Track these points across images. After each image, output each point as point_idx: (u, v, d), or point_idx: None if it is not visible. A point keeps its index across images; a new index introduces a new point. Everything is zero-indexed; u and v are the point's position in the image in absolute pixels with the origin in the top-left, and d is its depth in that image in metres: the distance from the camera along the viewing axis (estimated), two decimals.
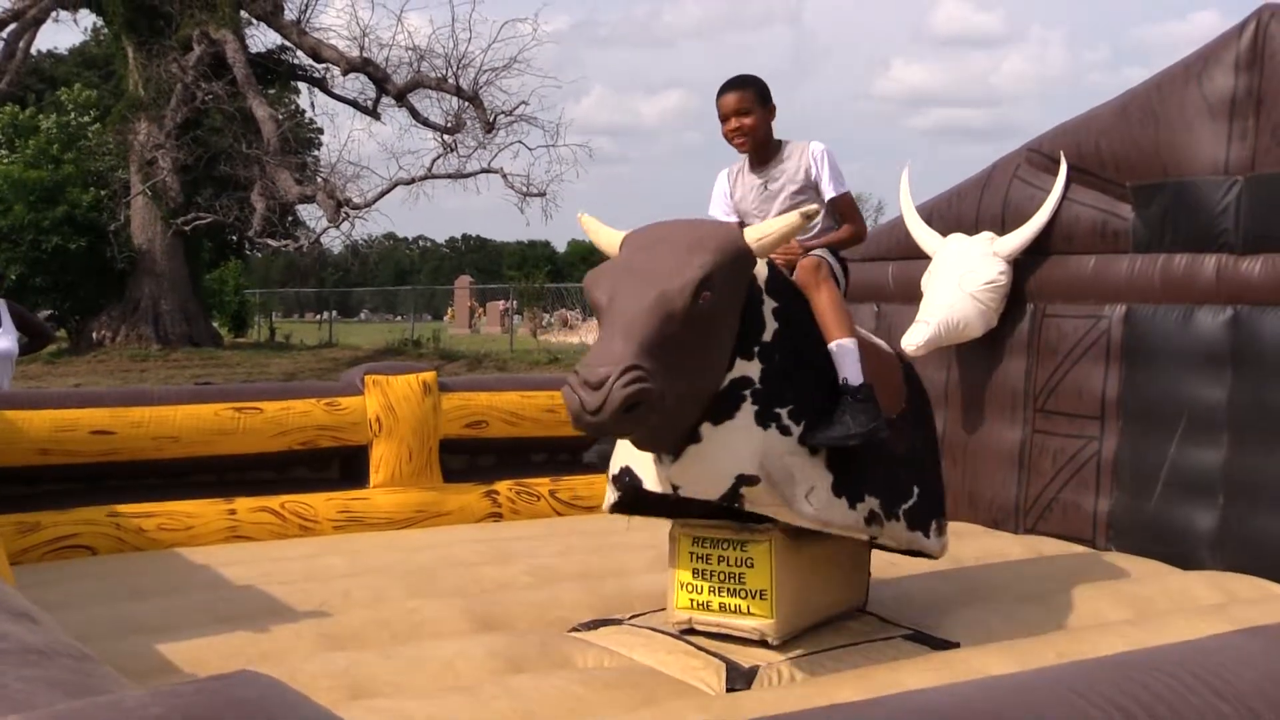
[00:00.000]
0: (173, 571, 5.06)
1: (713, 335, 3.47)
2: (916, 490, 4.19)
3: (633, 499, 3.90)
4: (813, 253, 4.05)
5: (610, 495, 3.97)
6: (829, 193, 4.24)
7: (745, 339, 3.58)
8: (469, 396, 6.49)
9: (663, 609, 4.30)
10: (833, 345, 3.83)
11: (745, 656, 3.77)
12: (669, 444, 3.56)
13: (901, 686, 3.41)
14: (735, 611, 3.87)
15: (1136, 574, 5.07)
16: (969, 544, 5.60)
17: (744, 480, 3.59)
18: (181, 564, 5.22)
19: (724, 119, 4.24)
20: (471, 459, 6.67)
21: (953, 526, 6.07)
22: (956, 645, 4.01)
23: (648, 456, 3.67)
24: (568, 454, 6.83)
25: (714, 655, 3.78)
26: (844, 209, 4.32)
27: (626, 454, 3.80)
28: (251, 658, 3.76)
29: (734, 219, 4.28)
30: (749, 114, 4.21)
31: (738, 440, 3.57)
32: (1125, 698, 1.84)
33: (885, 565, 4.91)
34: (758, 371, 3.60)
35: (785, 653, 3.82)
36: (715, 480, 3.62)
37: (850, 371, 3.81)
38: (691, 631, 3.95)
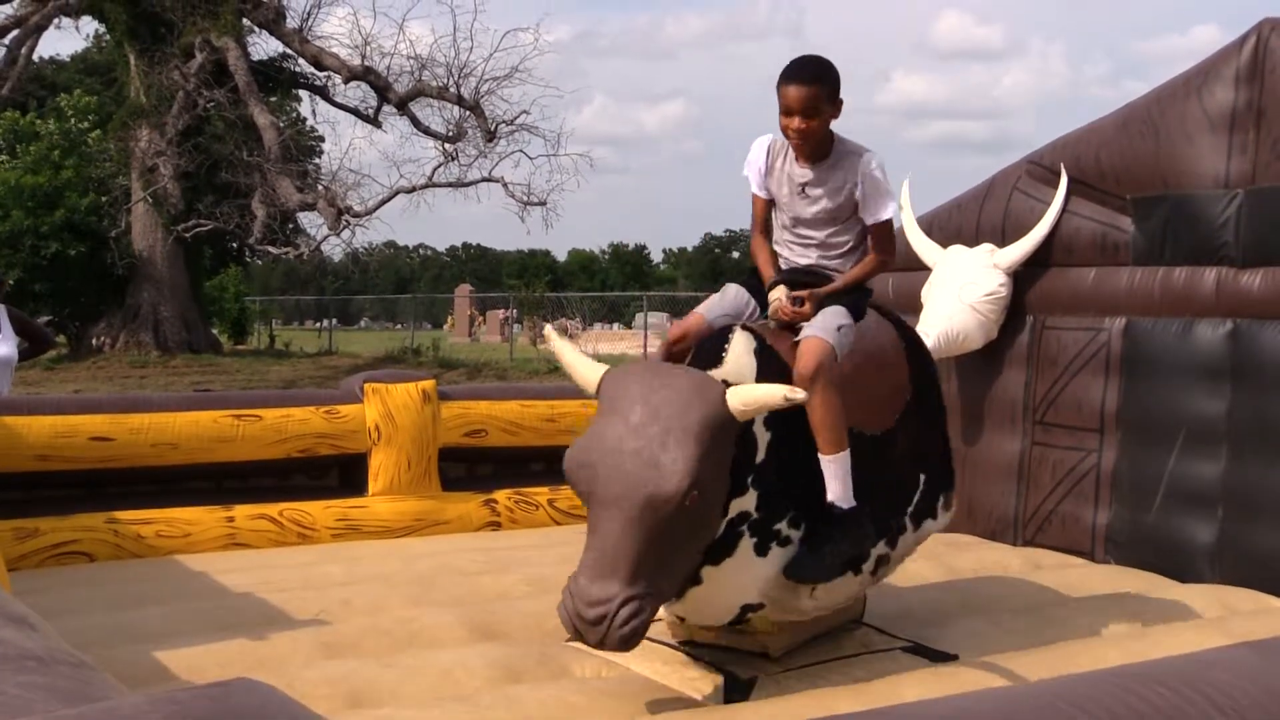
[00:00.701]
0: (171, 579, 5.05)
1: (703, 520, 3.34)
2: (923, 479, 4.08)
3: None
4: (817, 331, 3.64)
5: None
6: (869, 219, 3.82)
7: (738, 475, 3.40)
8: (468, 405, 6.49)
9: (661, 619, 4.30)
10: (822, 459, 3.60)
11: (743, 668, 3.77)
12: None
13: (900, 699, 3.41)
14: (739, 631, 3.84)
15: (1135, 587, 5.07)
16: (968, 555, 5.60)
17: (748, 608, 3.62)
18: (180, 571, 5.22)
19: (786, 112, 3.71)
20: (470, 468, 6.67)
21: (952, 538, 6.09)
22: (955, 657, 4.00)
23: None
24: None
25: (712, 666, 3.78)
26: (878, 236, 3.87)
27: None
28: (249, 665, 3.76)
29: (764, 195, 3.95)
30: (815, 115, 3.70)
31: (739, 576, 3.52)
32: (1124, 710, 1.84)
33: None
34: (754, 501, 3.47)
35: (783, 664, 3.82)
36: (720, 613, 3.65)
37: (837, 491, 3.61)
38: (691, 643, 3.95)
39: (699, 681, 3.69)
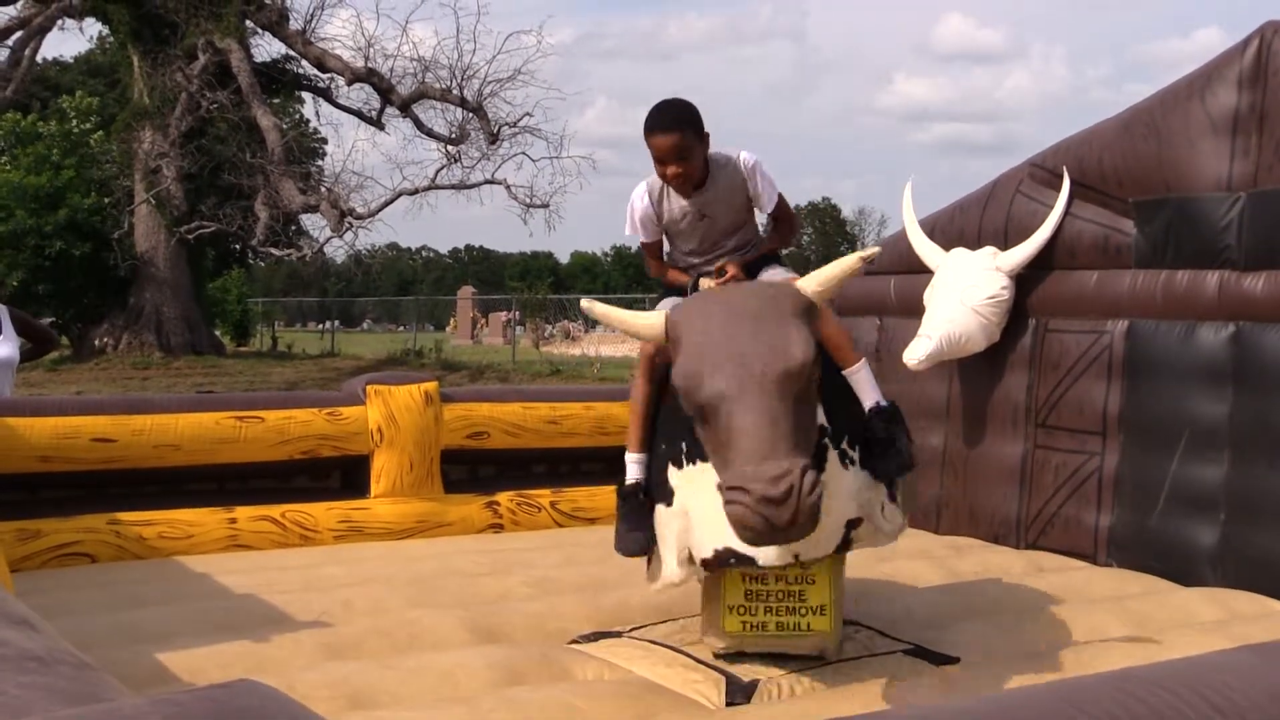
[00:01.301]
0: (173, 580, 5.06)
1: (815, 397, 3.38)
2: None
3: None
4: (782, 273, 3.91)
5: (682, 573, 3.74)
6: (769, 206, 3.99)
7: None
8: (471, 407, 6.49)
9: (663, 622, 4.30)
10: (849, 372, 3.74)
11: (745, 671, 3.76)
12: None
13: (901, 701, 3.41)
14: (794, 630, 3.83)
15: (1137, 590, 5.06)
16: (969, 558, 5.59)
17: (851, 525, 3.63)
18: (182, 572, 5.22)
19: (660, 162, 3.81)
20: (472, 470, 6.67)
21: (954, 540, 6.09)
22: (956, 660, 4.00)
23: None
24: (569, 465, 6.83)
25: (713, 669, 3.78)
26: (780, 213, 4.09)
27: (722, 535, 3.41)
28: (251, 666, 3.76)
29: (656, 239, 4.07)
30: (689, 158, 3.80)
31: (835, 489, 3.51)
32: (1125, 713, 1.84)
33: (885, 580, 4.91)
34: (823, 414, 3.52)
35: (784, 667, 3.81)
36: (831, 536, 3.59)
37: (876, 394, 3.75)
38: (740, 653, 3.88)
39: (701, 684, 3.68)
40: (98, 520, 5.54)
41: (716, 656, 3.87)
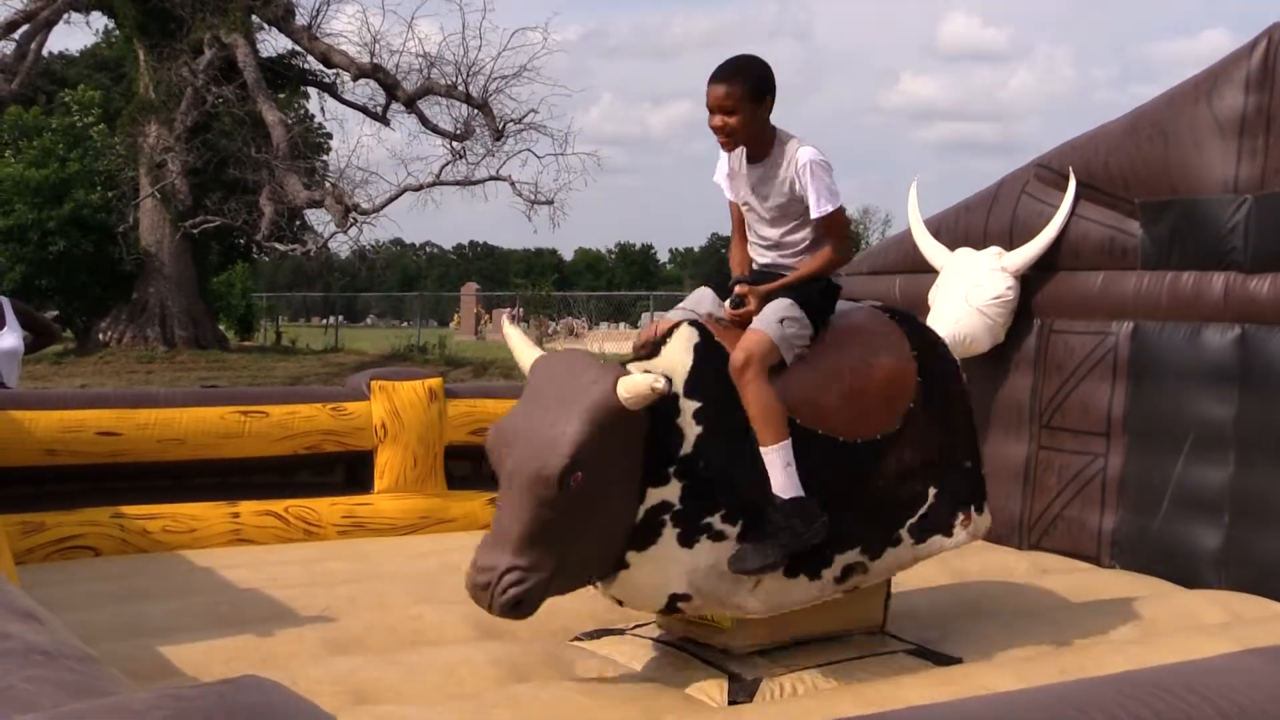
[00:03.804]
0: (176, 574, 5.06)
1: (598, 502, 3.40)
2: (933, 493, 3.95)
3: None
4: (756, 324, 3.69)
5: None
6: (816, 211, 3.77)
7: (657, 465, 3.48)
8: (474, 403, 6.49)
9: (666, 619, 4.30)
10: (763, 452, 3.58)
11: (748, 669, 3.77)
12: (592, 580, 3.62)
13: (904, 702, 3.41)
14: (704, 622, 3.89)
15: (1141, 592, 5.06)
16: (973, 559, 5.59)
17: (677, 597, 3.63)
18: (185, 566, 5.23)
19: (709, 111, 3.76)
20: (476, 466, 6.66)
21: None
22: (959, 661, 4.00)
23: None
24: None
25: (717, 667, 3.78)
26: (830, 227, 3.84)
27: None
28: (254, 661, 3.76)
29: (732, 198, 4.00)
30: (734, 112, 3.71)
31: (663, 564, 3.56)
32: (1128, 716, 1.84)
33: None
34: (677, 492, 3.50)
35: (788, 666, 3.81)
36: (651, 599, 3.69)
37: (779, 482, 3.58)
38: (690, 639, 3.95)
39: (704, 683, 3.69)
40: (102, 514, 5.55)
41: (684, 645, 3.95)
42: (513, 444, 3.44)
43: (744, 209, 3.98)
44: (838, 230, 3.88)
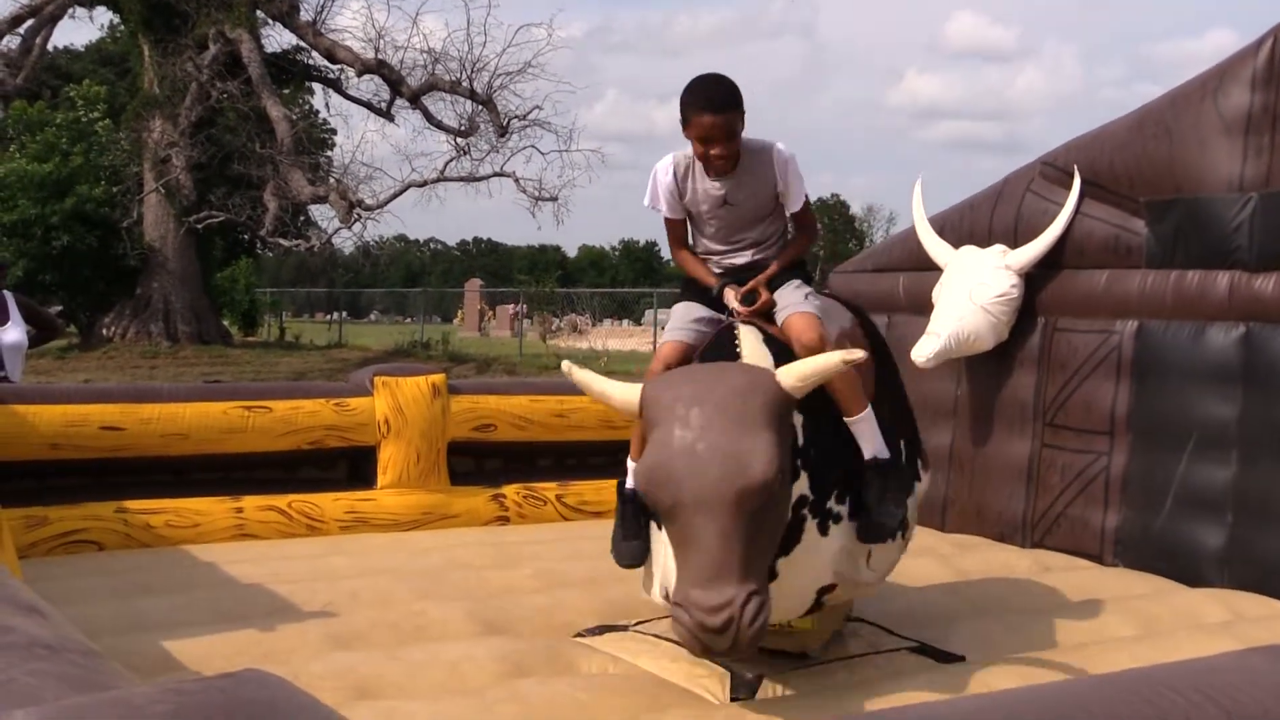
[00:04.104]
0: (179, 569, 5.07)
1: (786, 501, 3.35)
2: (904, 445, 4.00)
3: None
4: (795, 307, 3.74)
5: (663, 603, 3.63)
6: (794, 206, 3.86)
7: (792, 460, 3.39)
8: (478, 399, 6.49)
9: (668, 616, 4.29)
10: (851, 422, 3.63)
11: (749, 666, 3.76)
12: None
13: (906, 699, 3.41)
14: (779, 632, 3.83)
15: (1143, 590, 5.06)
16: (976, 557, 5.59)
17: (824, 590, 3.63)
18: (188, 561, 5.23)
19: (705, 141, 3.70)
20: (479, 462, 6.67)
21: (960, 539, 6.09)
22: (962, 659, 3.99)
23: None
24: (575, 459, 6.83)
25: (719, 664, 3.78)
26: (804, 215, 3.96)
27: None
28: (256, 656, 3.76)
29: (680, 217, 3.96)
30: (735, 137, 3.72)
31: (811, 560, 3.54)
32: (1131, 714, 1.84)
33: (891, 578, 4.90)
34: (806, 483, 3.48)
35: (789, 663, 3.81)
36: (800, 603, 3.64)
37: (875, 445, 3.64)
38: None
39: (705, 679, 3.68)
40: (105, 508, 5.55)
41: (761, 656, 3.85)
42: (687, 475, 3.12)
43: (706, 219, 3.94)
44: (811, 217, 4.04)
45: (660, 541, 3.64)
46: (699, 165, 3.83)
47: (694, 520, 3.10)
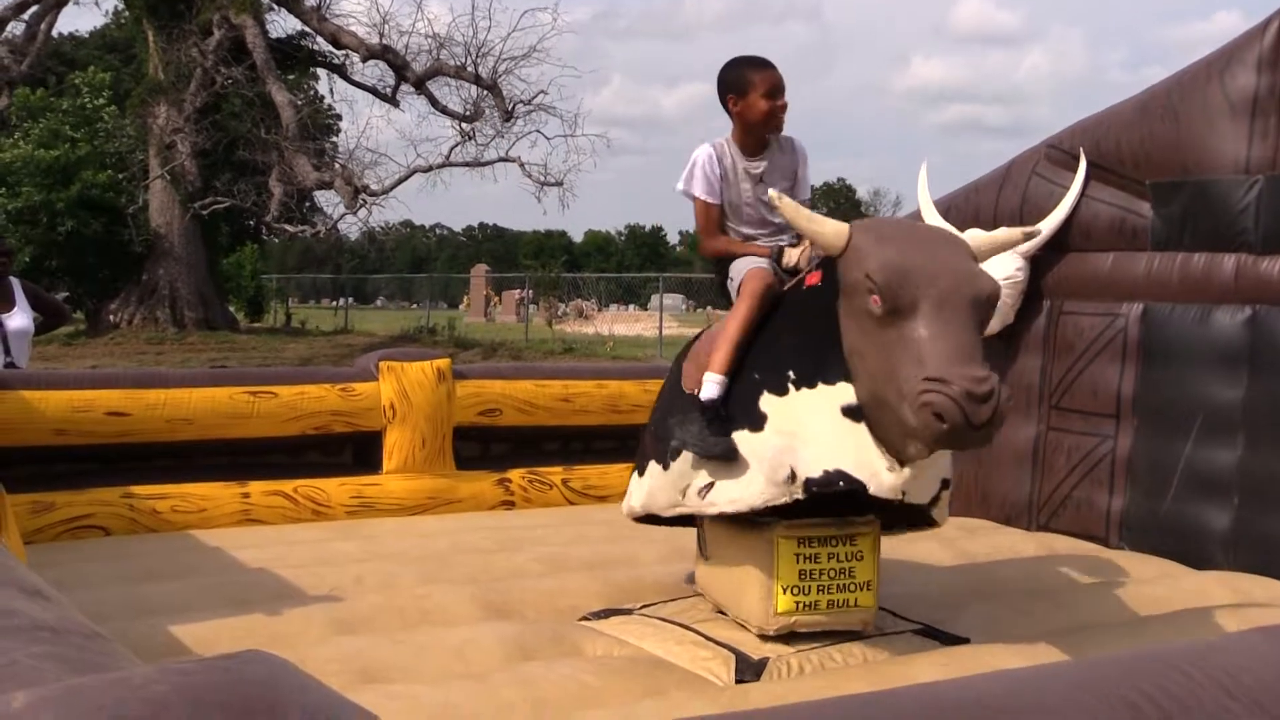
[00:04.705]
0: (185, 553, 5.08)
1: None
2: None
3: (811, 501, 3.66)
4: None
5: (770, 491, 3.66)
6: (804, 195, 4.15)
7: None
8: (483, 384, 6.49)
9: (674, 599, 4.30)
10: None
11: (754, 648, 3.77)
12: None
13: (911, 680, 3.41)
14: (843, 608, 3.85)
15: (1149, 573, 5.05)
16: (981, 539, 5.59)
17: (944, 485, 3.74)
18: (194, 546, 5.24)
19: (777, 94, 4.02)
20: (485, 447, 6.67)
21: (965, 522, 6.08)
22: (966, 641, 3.99)
23: (871, 463, 3.50)
24: (581, 443, 6.83)
25: (723, 646, 3.78)
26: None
27: (835, 457, 3.56)
28: (262, 640, 3.77)
29: (720, 202, 4.13)
30: None
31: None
32: (1136, 695, 1.83)
33: (896, 561, 4.90)
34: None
35: (794, 645, 3.82)
36: (929, 486, 3.71)
37: None
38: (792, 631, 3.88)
39: (710, 661, 3.69)
40: (111, 493, 5.56)
41: (765, 639, 3.84)
42: (942, 273, 3.35)
43: (738, 204, 4.13)
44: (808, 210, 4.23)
45: (761, 443, 3.70)
46: (735, 147, 4.09)
47: (943, 313, 3.31)
